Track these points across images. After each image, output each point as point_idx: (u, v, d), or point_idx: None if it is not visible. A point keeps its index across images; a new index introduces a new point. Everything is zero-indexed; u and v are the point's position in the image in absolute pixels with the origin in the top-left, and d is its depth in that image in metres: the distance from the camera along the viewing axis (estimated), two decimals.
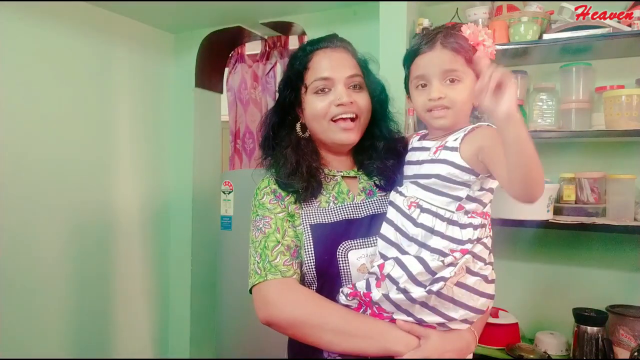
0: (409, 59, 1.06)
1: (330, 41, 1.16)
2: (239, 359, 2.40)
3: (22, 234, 1.89)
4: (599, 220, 1.66)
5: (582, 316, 1.67)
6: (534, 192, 0.89)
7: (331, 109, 1.10)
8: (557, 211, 1.77)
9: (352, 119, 1.11)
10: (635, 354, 1.54)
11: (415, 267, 0.96)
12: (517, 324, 1.80)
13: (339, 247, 1.07)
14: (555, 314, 1.85)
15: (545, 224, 1.67)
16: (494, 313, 1.79)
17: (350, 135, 1.12)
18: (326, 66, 1.11)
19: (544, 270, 1.92)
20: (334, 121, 1.10)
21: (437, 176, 0.99)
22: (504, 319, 1.78)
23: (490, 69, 0.84)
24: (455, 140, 0.99)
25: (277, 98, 1.21)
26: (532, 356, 1.66)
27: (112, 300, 2.30)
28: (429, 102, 1.01)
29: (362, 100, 1.12)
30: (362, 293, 1.02)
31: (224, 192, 2.46)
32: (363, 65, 1.17)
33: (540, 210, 1.66)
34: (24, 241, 1.90)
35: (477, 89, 0.86)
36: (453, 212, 0.97)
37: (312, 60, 1.13)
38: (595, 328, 1.64)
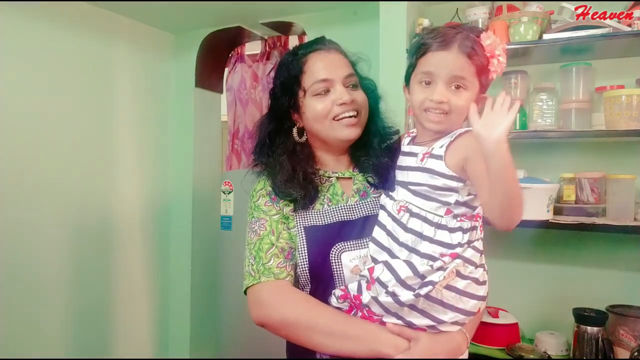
0: (420, 51, 1.00)
1: (322, 43, 1.16)
2: (239, 359, 2.40)
3: (22, 233, 1.89)
4: (599, 221, 1.66)
5: (582, 316, 1.67)
6: (511, 219, 0.91)
7: (333, 108, 1.10)
8: (557, 211, 1.77)
9: (354, 116, 1.12)
10: (635, 354, 1.54)
11: (404, 271, 0.96)
12: (517, 324, 1.80)
13: (332, 249, 1.08)
14: (555, 314, 1.85)
15: (545, 224, 1.67)
16: (494, 313, 1.79)
17: (354, 131, 1.12)
18: (323, 68, 1.12)
19: (544, 270, 1.92)
20: (336, 120, 1.11)
21: (425, 185, 0.99)
22: (504, 319, 1.78)
23: (504, 97, 0.86)
24: (441, 147, 0.98)
25: (270, 105, 1.20)
26: (532, 356, 1.66)
27: (112, 300, 2.30)
28: (428, 102, 0.97)
29: (361, 97, 1.14)
30: (352, 295, 1.02)
31: (224, 192, 2.46)
32: (354, 65, 1.18)
33: (540, 210, 1.66)
34: (24, 241, 1.90)
35: (473, 112, 0.89)
36: (441, 217, 0.97)
37: (307, 64, 1.13)
38: (595, 328, 1.64)
